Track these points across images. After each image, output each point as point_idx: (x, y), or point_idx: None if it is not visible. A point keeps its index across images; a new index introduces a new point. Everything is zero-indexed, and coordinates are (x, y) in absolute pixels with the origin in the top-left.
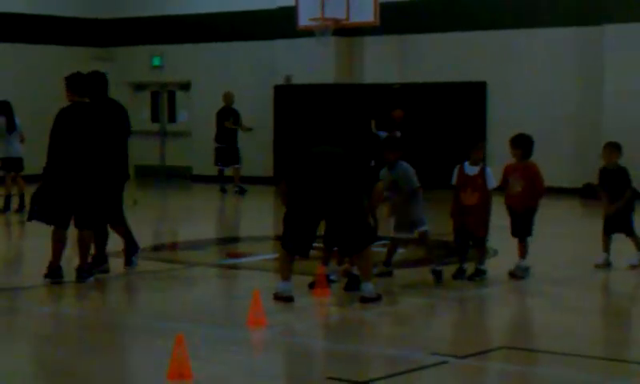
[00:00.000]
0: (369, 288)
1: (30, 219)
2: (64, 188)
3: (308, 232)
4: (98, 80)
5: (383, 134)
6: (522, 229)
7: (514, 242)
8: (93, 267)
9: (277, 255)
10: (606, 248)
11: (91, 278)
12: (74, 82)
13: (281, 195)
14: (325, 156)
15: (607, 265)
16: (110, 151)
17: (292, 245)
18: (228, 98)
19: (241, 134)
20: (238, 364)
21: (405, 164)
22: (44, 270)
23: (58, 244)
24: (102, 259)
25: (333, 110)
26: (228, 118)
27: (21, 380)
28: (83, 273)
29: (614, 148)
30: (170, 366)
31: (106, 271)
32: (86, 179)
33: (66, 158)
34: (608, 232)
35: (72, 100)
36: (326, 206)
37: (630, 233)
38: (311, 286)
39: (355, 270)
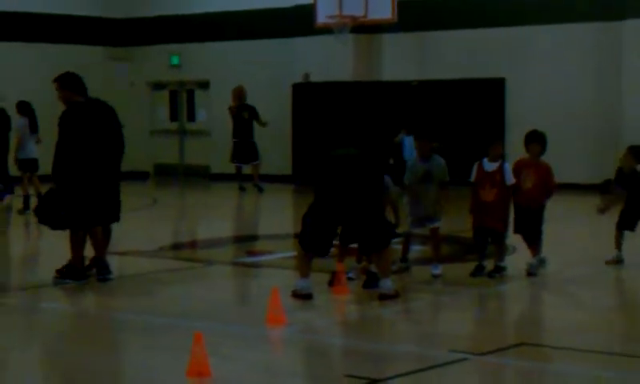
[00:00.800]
0: (387, 285)
1: (64, 228)
2: (92, 188)
3: (327, 233)
4: (81, 79)
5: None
6: (532, 227)
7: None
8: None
9: (295, 253)
10: (618, 245)
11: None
12: (73, 82)
13: None
14: (344, 159)
15: (618, 261)
16: (113, 148)
17: (311, 245)
18: (240, 93)
19: (258, 130)
20: (257, 362)
21: (440, 157)
22: (62, 269)
23: (80, 244)
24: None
25: (351, 108)
26: (241, 113)
27: (39, 378)
28: (107, 270)
29: (633, 154)
30: (188, 363)
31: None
32: (102, 177)
33: (86, 158)
34: (621, 228)
35: (71, 99)
36: (346, 208)
37: None
38: (330, 283)
39: (374, 268)
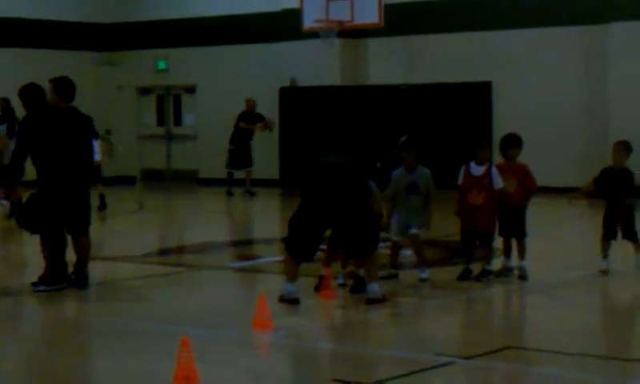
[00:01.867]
0: (374, 289)
1: (39, 232)
2: (52, 194)
3: (313, 238)
4: (71, 85)
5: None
6: (517, 229)
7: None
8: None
9: (282, 258)
10: (605, 254)
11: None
12: (65, 87)
13: None
14: (332, 165)
15: (607, 271)
16: (82, 155)
17: (297, 249)
18: (249, 103)
19: (247, 135)
20: (245, 367)
21: (425, 168)
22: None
23: (50, 252)
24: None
25: (338, 112)
26: (249, 122)
27: None
28: (86, 278)
29: (623, 148)
30: (175, 369)
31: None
32: (69, 184)
33: (51, 164)
34: (608, 237)
35: (59, 104)
36: (333, 213)
37: (634, 239)
38: (316, 288)
39: (361, 272)
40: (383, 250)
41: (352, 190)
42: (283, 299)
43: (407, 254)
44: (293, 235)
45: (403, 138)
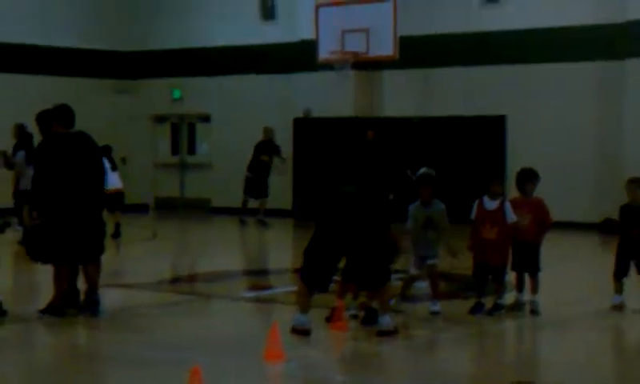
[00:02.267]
0: (386, 321)
1: (47, 262)
2: (63, 222)
3: (328, 268)
4: (70, 112)
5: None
6: (531, 263)
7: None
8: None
9: (296, 288)
10: (619, 289)
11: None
12: (63, 115)
13: None
14: (347, 196)
15: (621, 306)
16: (92, 182)
17: (312, 279)
18: (267, 132)
19: (262, 165)
20: None
21: (440, 202)
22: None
23: (63, 279)
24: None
25: (352, 144)
26: (266, 152)
27: None
28: (97, 305)
29: (638, 184)
30: None
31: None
32: (80, 211)
33: (62, 191)
34: (619, 276)
35: (57, 130)
36: (347, 243)
37: None
38: (328, 319)
39: (373, 304)
40: (396, 281)
41: (366, 221)
42: (295, 330)
43: (422, 285)
44: (308, 265)
45: (421, 171)
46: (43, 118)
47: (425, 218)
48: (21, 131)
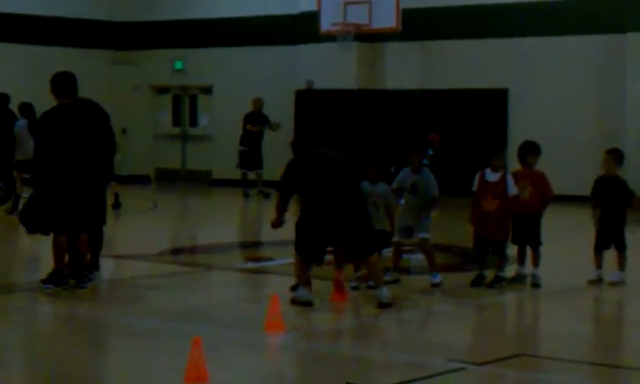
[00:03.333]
0: (384, 293)
1: (31, 232)
2: (63, 192)
3: (318, 238)
4: (73, 80)
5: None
6: (532, 236)
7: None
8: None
9: (293, 261)
10: (599, 264)
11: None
12: (58, 84)
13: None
14: (325, 158)
15: (600, 280)
16: (96, 152)
17: (306, 250)
18: (256, 103)
19: (265, 138)
20: (255, 368)
21: (429, 171)
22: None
23: (62, 249)
24: (94, 265)
25: (350, 114)
26: (254, 122)
27: (32, 381)
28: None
29: (613, 157)
30: (186, 368)
31: (95, 279)
32: (81, 181)
33: (62, 162)
34: (599, 249)
35: (56, 101)
36: (328, 213)
37: (621, 248)
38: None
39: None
40: (387, 254)
41: (346, 185)
42: (295, 301)
43: (419, 258)
44: (299, 237)
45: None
46: (60, 80)
47: (411, 182)
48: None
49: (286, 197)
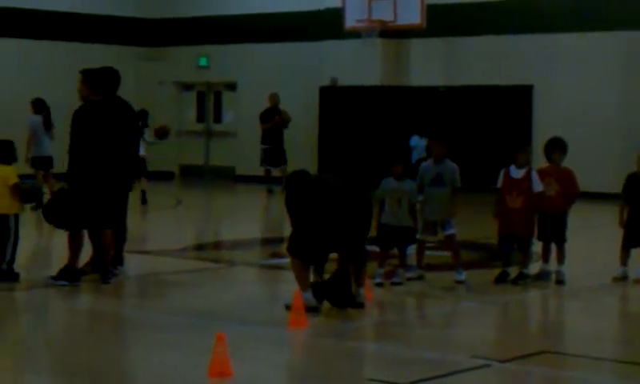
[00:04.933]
0: (361, 293)
1: (70, 228)
2: (95, 188)
3: (324, 243)
4: (112, 77)
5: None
6: (557, 233)
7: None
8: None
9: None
10: (624, 261)
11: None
12: (95, 79)
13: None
14: (332, 188)
15: (625, 277)
16: (124, 150)
17: (306, 253)
18: (273, 98)
19: (286, 135)
20: (279, 364)
21: (452, 162)
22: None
23: (80, 246)
24: (118, 260)
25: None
26: (271, 118)
27: (60, 378)
28: (107, 272)
29: None
30: (210, 363)
31: (119, 274)
32: (112, 178)
33: (94, 158)
34: (627, 246)
35: (88, 97)
36: (338, 224)
37: None
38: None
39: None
40: (411, 251)
41: (355, 214)
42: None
43: (444, 255)
44: (299, 239)
45: (415, 139)
46: (99, 75)
47: (435, 174)
48: (37, 105)
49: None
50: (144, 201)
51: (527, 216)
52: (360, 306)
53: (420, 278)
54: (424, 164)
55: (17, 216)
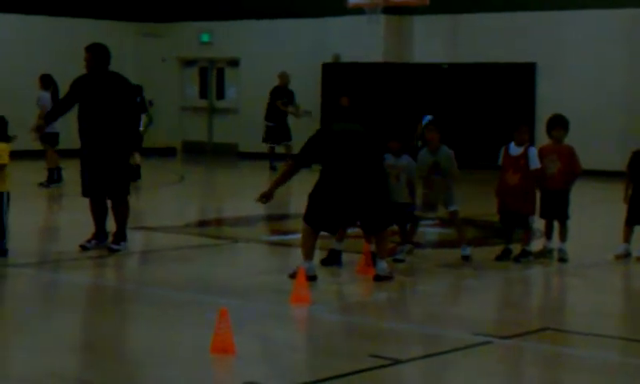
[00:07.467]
0: (382, 266)
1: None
2: (84, 157)
3: (337, 210)
4: (105, 52)
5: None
6: (559, 211)
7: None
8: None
9: (300, 231)
10: (627, 239)
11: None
12: (101, 53)
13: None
14: (346, 134)
15: (627, 255)
16: (118, 122)
17: (318, 220)
18: (283, 77)
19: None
20: (281, 340)
21: (447, 148)
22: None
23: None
24: (122, 236)
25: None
26: (281, 98)
27: (65, 352)
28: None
29: None
30: (213, 339)
31: (122, 250)
32: (101, 149)
33: (83, 127)
34: (630, 223)
35: (95, 70)
36: (349, 185)
37: None
38: (324, 262)
39: (337, 246)
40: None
41: (365, 161)
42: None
43: (448, 232)
44: (312, 207)
45: (428, 118)
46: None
47: (432, 162)
48: (46, 80)
49: (296, 169)
50: (138, 175)
51: (526, 193)
52: (378, 279)
53: (410, 252)
54: (420, 152)
55: (7, 194)
